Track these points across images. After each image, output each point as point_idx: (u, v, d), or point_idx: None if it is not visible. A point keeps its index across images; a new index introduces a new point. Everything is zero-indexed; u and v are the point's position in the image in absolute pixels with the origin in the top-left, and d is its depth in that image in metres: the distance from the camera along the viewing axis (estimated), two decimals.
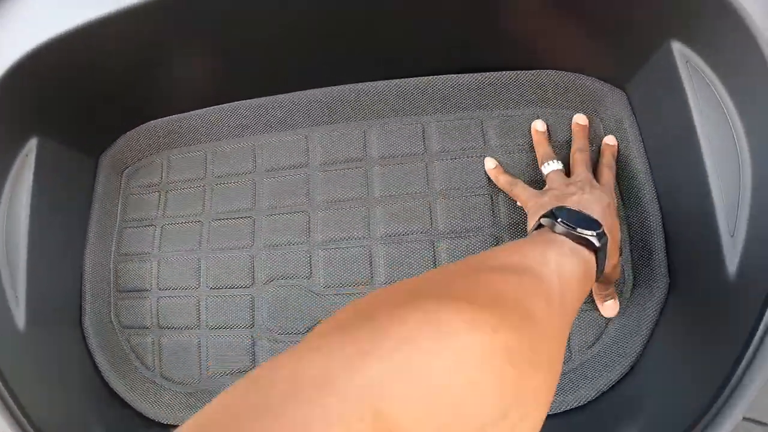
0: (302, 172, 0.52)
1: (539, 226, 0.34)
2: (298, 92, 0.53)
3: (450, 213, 0.48)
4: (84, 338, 0.52)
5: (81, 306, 0.53)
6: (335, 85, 0.52)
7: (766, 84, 0.32)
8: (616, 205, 0.44)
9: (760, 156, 0.33)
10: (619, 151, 0.47)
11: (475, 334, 0.18)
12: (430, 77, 0.50)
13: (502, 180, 0.47)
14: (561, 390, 0.43)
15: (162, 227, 0.55)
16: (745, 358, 0.30)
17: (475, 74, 0.50)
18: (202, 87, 0.53)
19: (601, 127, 0.48)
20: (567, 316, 0.26)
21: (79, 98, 0.49)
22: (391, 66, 0.51)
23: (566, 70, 0.48)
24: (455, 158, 0.50)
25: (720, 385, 0.30)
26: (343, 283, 0.49)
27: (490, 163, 0.49)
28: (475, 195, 0.49)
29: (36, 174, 0.47)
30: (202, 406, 0.47)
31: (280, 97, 0.53)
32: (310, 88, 0.53)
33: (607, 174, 0.45)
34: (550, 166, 0.46)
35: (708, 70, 0.37)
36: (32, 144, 0.48)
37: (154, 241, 0.54)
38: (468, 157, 0.49)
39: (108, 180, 0.56)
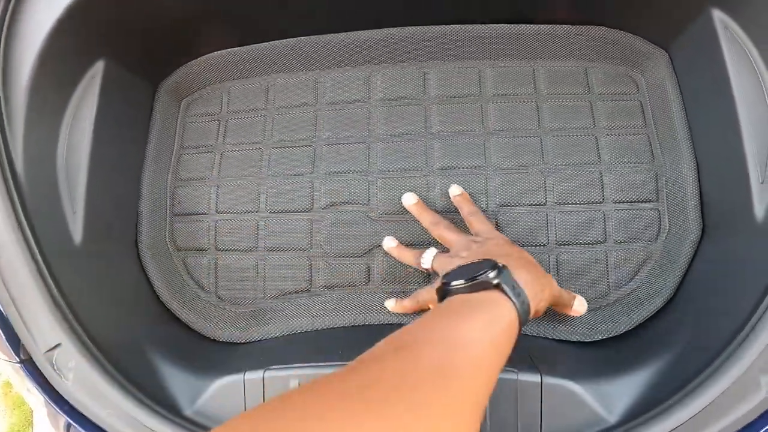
0: (363, 107, 0.55)
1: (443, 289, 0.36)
2: (361, 31, 0.55)
3: (502, 150, 0.52)
4: (139, 257, 0.54)
5: (137, 226, 0.54)
6: (396, 26, 0.54)
7: None
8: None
9: None
10: (654, 109, 0.51)
11: None
12: (488, 25, 0.53)
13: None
14: (597, 321, 0.47)
15: (222, 153, 0.56)
16: None
17: (528, 25, 0.53)
18: (265, 21, 0.54)
19: (644, 83, 0.53)
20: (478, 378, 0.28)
21: (145, 26, 0.50)
22: (450, 12, 0.53)
23: (613, 28, 0.52)
24: (508, 102, 0.53)
25: (745, 319, 0.35)
26: (400, 210, 0.52)
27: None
28: (523, 136, 0.52)
29: (101, 95, 0.48)
30: (256, 324, 0.51)
31: (343, 35, 0.55)
32: (372, 29, 0.55)
33: (477, 221, 0.47)
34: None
35: (744, 37, 0.41)
36: (99, 66, 0.49)
37: (213, 167, 0.56)
38: (520, 102, 0.53)
39: (166, 107, 0.57)
